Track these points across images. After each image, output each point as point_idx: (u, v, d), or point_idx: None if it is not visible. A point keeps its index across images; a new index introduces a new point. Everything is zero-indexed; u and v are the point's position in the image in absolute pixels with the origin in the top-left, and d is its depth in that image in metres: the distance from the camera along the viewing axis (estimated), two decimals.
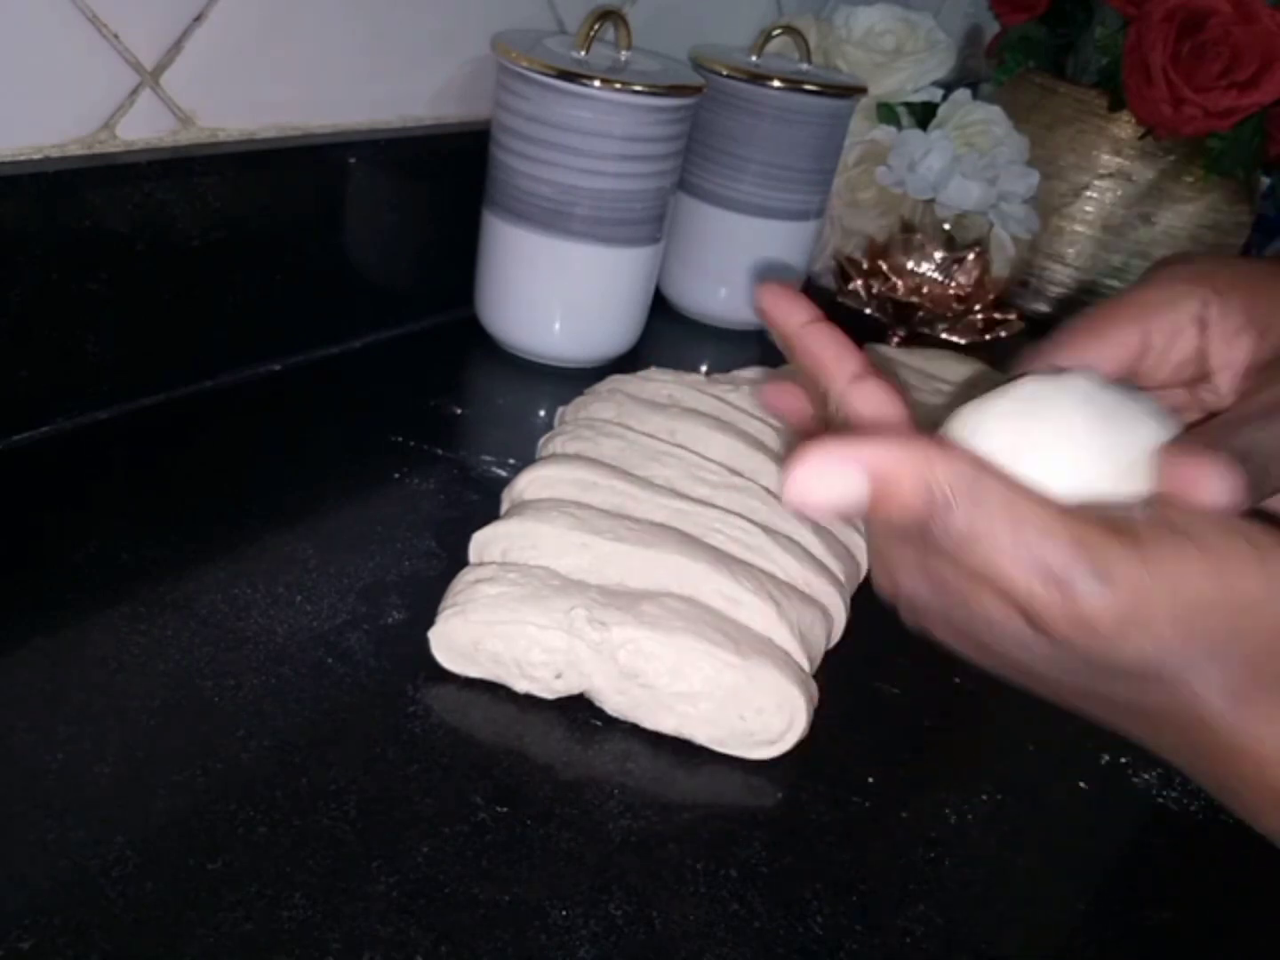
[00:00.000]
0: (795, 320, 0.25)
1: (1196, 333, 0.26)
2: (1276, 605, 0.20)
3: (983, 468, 0.21)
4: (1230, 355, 0.26)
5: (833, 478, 0.20)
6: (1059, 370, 0.25)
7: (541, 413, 0.56)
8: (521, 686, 0.36)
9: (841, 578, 0.41)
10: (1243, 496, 0.21)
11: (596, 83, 0.51)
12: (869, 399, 0.23)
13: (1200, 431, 0.23)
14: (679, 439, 0.46)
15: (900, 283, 0.73)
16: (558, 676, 0.35)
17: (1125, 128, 0.80)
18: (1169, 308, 0.26)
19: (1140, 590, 0.20)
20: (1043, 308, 0.88)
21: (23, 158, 0.43)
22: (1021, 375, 0.24)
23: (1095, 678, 0.22)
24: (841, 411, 0.24)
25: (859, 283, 0.75)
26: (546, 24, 0.63)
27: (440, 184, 0.59)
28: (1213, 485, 0.21)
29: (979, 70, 0.98)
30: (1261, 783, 0.22)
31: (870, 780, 0.36)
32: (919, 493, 0.20)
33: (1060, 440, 0.22)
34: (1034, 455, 0.22)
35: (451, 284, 0.61)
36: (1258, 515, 0.22)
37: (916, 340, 0.72)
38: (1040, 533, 0.20)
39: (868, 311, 0.75)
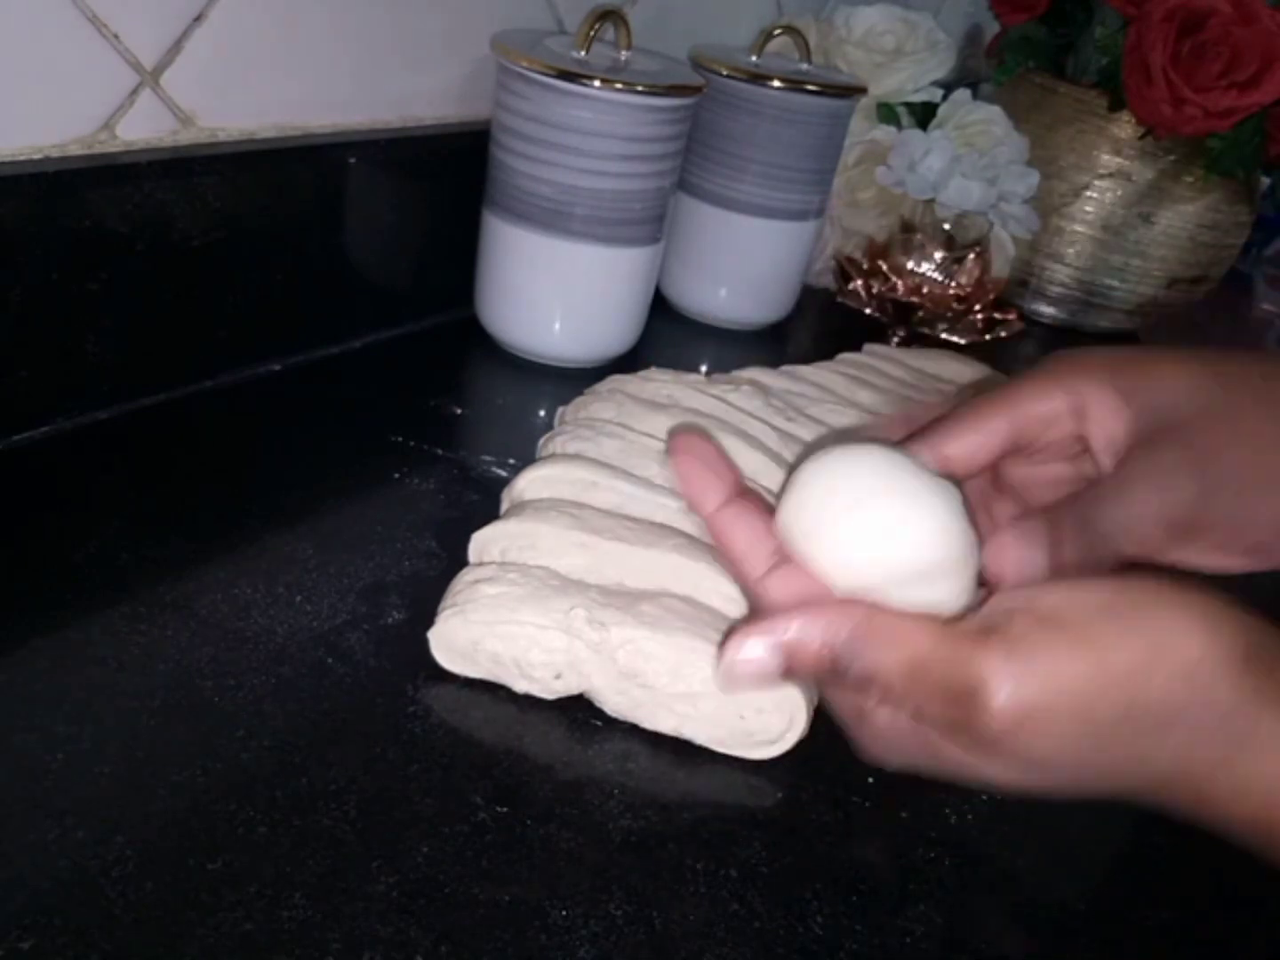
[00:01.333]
0: (710, 503, 0.27)
1: (1073, 419, 0.28)
2: (1159, 671, 0.22)
3: (874, 614, 0.24)
4: (1108, 433, 0.28)
5: (752, 658, 0.25)
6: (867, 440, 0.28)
7: (541, 413, 0.56)
8: (521, 687, 0.36)
9: None
10: (1041, 566, 0.26)
11: (596, 83, 0.51)
12: (783, 585, 0.26)
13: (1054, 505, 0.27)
14: None
15: (900, 283, 0.73)
16: (557, 677, 0.35)
17: (1125, 128, 0.80)
18: (1039, 400, 0.28)
19: (1025, 694, 0.22)
20: (1043, 307, 0.88)
21: (23, 158, 0.43)
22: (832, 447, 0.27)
23: (1047, 780, 0.24)
24: (760, 600, 0.27)
25: (859, 283, 0.75)
26: (546, 24, 0.63)
27: (440, 184, 0.59)
28: (1010, 560, 0.26)
29: (979, 70, 0.98)
30: (1230, 820, 0.24)
31: (870, 780, 0.36)
32: (822, 653, 0.24)
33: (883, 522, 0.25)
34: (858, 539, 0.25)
35: (451, 284, 0.61)
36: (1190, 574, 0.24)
37: (916, 340, 0.72)
38: (923, 655, 0.23)
39: (868, 311, 0.75)
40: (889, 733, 0.25)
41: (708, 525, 0.27)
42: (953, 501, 0.25)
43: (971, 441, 0.28)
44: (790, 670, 0.25)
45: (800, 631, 0.24)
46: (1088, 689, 0.22)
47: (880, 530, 0.25)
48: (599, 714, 0.36)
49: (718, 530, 0.27)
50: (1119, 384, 0.28)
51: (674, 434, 0.28)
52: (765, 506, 0.28)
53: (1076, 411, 0.28)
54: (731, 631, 0.25)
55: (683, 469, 0.27)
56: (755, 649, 0.25)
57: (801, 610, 0.25)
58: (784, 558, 0.26)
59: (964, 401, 0.29)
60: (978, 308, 0.74)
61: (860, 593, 0.25)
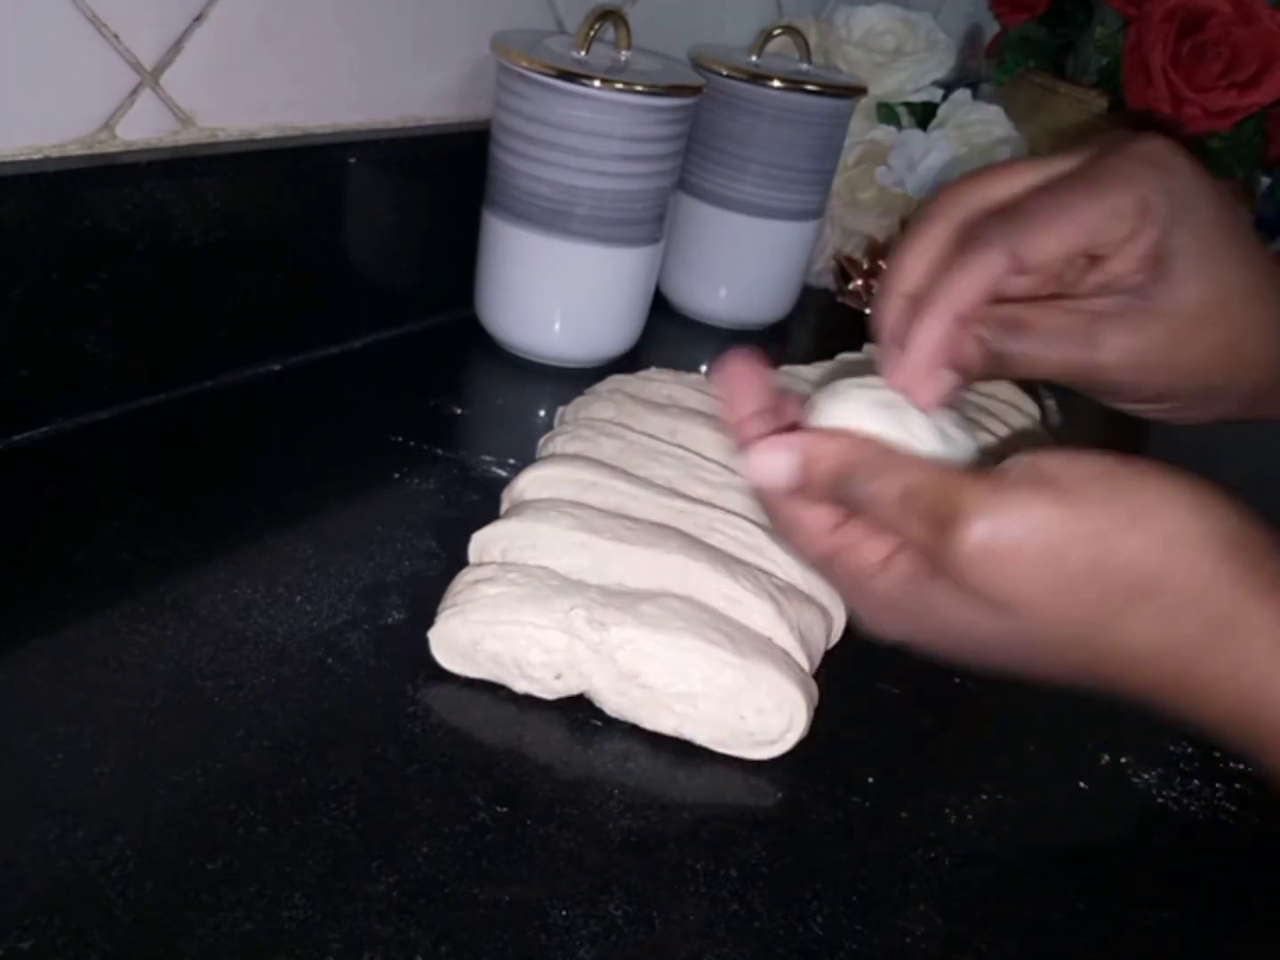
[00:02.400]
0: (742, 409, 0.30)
1: (1122, 239, 0.28)
2: (1135, 533, 0.22)
3: (890, 450, 0.26)
4: (1118, 275, 0.29)
5: (775, 456, 0.27)
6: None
7: (541, 413, 0.56)
8: (521, 687, 0.36)
9: None
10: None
11: (596, 83, 0.51)
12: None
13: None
14: (679, 439, 0.46)
15: None
16: (557, 677, 0.35)
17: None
18: (1117, 203, 0.28)
19: (997, 525, 0.23)
20: None
21: (23, 158, 0.43)
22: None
23: (1032, 643, 0.25)
24: None
25: (859, 283, 0.75)
26: (546, 24, 0.63)
27: (440, 184, 0.59)
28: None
29: (979, 70, 0.98)
30: (1211, 707, 0.24)
31: (870, 780, 0.36)
32: (836, 470, 0.26)
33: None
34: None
35: (451, 284, 0.61)
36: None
37: None
38: (918, 483, 0.24)
39: (868, 311, 0.75)
40: (885, 596, 0.27)
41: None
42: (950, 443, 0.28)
43: (1049, 246, 0.28)
44: (805, 479, 0.27)
45: (822, 446, 0.27)
46: (1058, 536, 0.22)
47: None
48: (599, 714, 0.36)
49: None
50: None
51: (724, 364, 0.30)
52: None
53: (1125, 239, 0.28)
54: (759, 438, 0.27)
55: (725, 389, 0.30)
56: (779, 453, 0.27)
57: (828, 432, 0.27)
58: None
59: (1038, 195, 0.28)
60: None
61: None
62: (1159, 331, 0.28)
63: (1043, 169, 0.29)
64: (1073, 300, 0.30)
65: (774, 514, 0.30)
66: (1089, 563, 0.22)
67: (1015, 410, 0.57)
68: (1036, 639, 0.24)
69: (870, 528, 0.27)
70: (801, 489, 0.27)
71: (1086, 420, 0.63)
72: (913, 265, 0.30)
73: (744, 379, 0.30)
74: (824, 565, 0.29)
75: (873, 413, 0.28)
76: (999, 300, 0.29)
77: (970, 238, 0.28)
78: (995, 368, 0.29)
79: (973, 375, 0.29)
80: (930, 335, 0.28)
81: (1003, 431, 0.53)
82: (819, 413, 0.29)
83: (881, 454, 0.26)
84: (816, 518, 0.28)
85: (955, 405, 0.29)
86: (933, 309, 0.28)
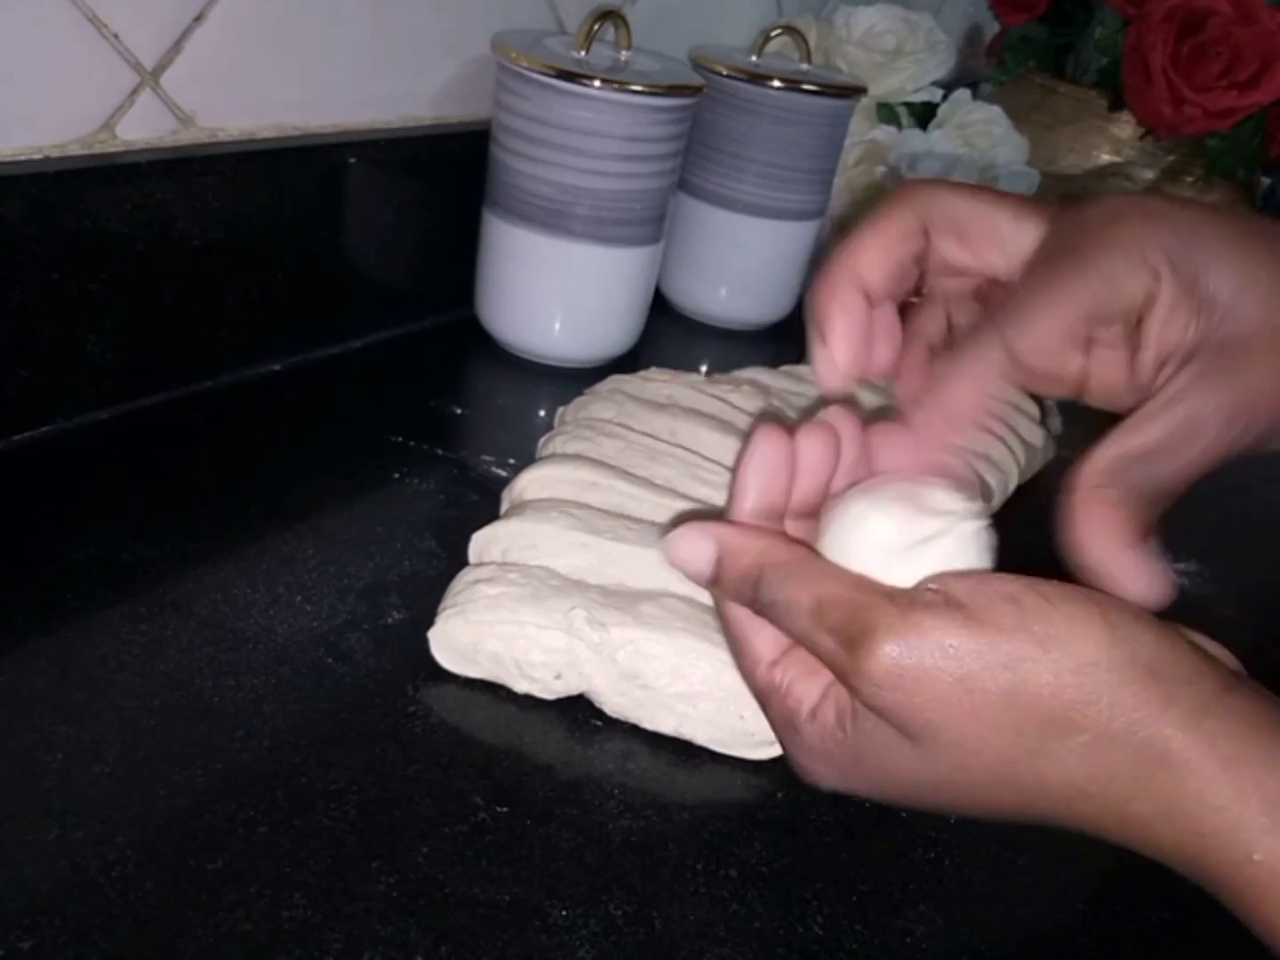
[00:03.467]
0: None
1: (1141, 302, 0.26)
2: (1050, 661, 0.21)
3: (810, 557, 0.25)
4: (1167, 337, 0.26)
5: (693, 545, 0.26)
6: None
7: (541, 413, 0.56)
8: (521, 687, 0.36)
9: None
10: (1161, 584, 0.24)
11: (597, 83, 0.51)
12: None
13: (1104, 470, 0.25)
14: (679, 439, 0.46)
15: None
16: (557, 677, 0.35)
17: (1125, 128, 0.81)
18: (1121, 280, 0.25)
19: (905, 649, 0.22)
20: None
21: (23, 158, 0.43)
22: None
23: (962, 780, 0.23)
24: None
25: None
26: (546, 24, 0.63)
27: (440, 184, 0.59)
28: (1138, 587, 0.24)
29: (979, 70, 0.98)
30: (1153, 843, 0.23)
31: None
32: (750, 570, 0.25)
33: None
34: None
35: (452, 284, 0.61)
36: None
37: None
38: (831, 596, 0.24)
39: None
40: (817, 742, 0.26)
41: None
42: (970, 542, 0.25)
43: (1046, 331, 0.25)
44: (718, 575, 0.26)
45: (740, 542, 0.26)
46: (972, 663, 0.22)
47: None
48: (599, 714, 0.36)
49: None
50: (1185, 276, 0.25)
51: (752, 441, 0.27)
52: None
53: (1147, 301, 0.25)
54: (685, 522, 0.27)
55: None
56: (696, 541, 0.26)
57: (754, 528, 0.26)
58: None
59: (1033, 279, 0.27)
60: None
61: None
62: (1258, 361, 0.25)
63: (1007, 205, 0.28)
64: (1162, 394, 0.25)
65: (726, 627, 0.28)
66: (1001, 693, 0.22)
67: (1015, 410, 0.57)
68: (962, 777, 0.23)
69: (805, 667, 0.26)
70: (716, 583, 0.26)
71: (1086, 421, 0.63)
72: (871, 256, 0.28)
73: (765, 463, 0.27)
74: (760, 700, 0.28)
75: (882, 507, 0.26)
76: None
77: (964, 338, 0.27)
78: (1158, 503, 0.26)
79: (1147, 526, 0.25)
80: (935, 448, 0.27)
81: (1002, 431, 0.53)
82: (831, 514, 0.27)
83: (800, 560, 0.25)
84: (761, 645, 0.27)
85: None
86: (937, 426, 0.26)
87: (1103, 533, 0.24)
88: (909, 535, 0.25)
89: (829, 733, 0.25)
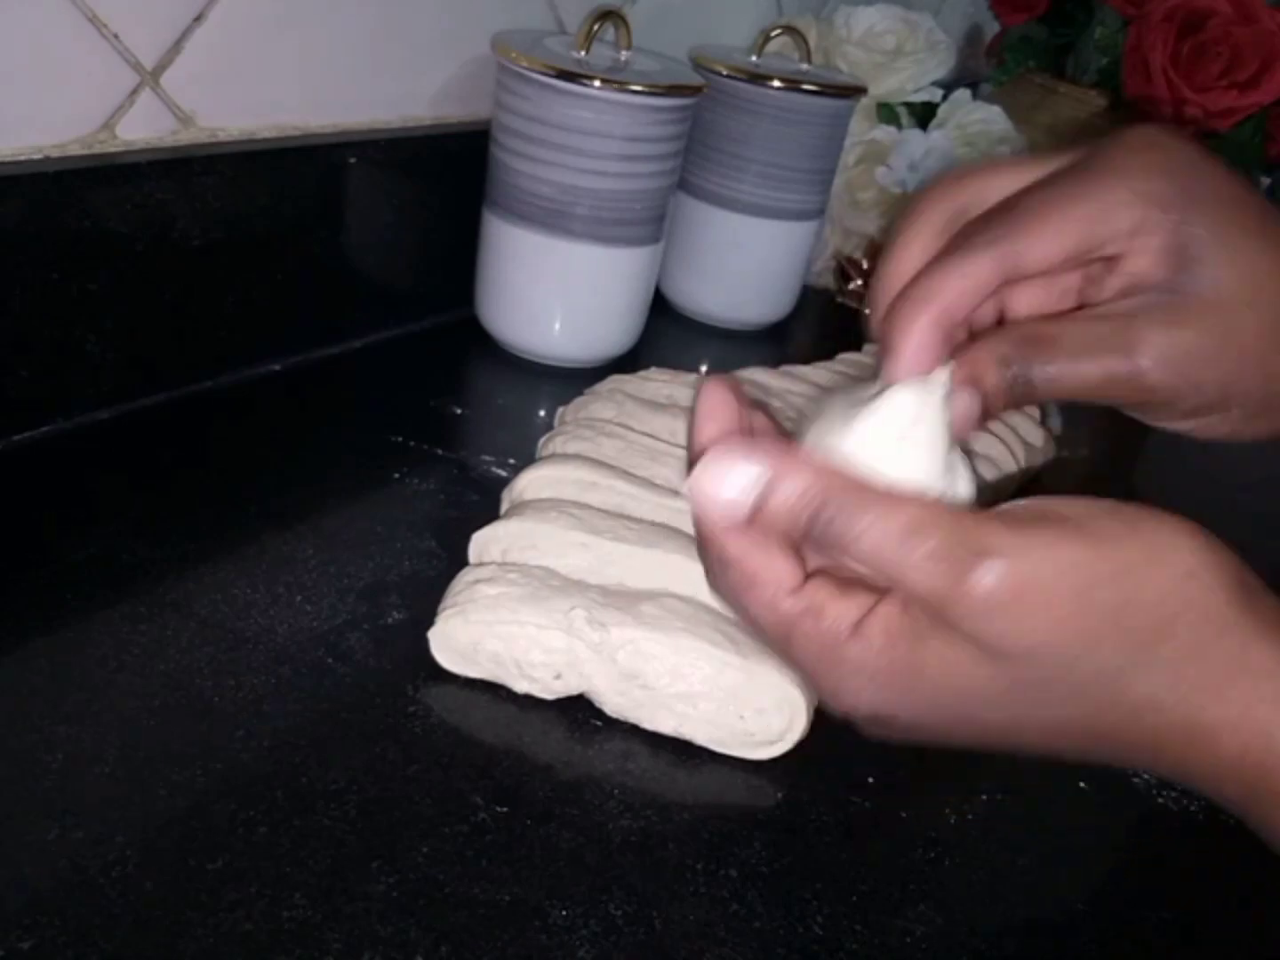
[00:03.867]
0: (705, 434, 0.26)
1: (1126, 238, 0.26)
2: (1158, 569, 0.21)
3: (875, 482, 0.23)
4: (1137, 267, 0.26)
5: (736, 467, 0.23)
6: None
7: (541, 413, 0.56)
8: (521, 687, 0.36)
9: None
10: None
11: (597, 83, 0.51)
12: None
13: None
14: (679, 439, 0.46)
15: None
16: (557, 677, 0.35)
17: None
18: (1113, 210, 0.26)
19: (1026, 566, 0.21)
20: None
21: (22, 158, 0.43)
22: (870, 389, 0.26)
23: (1037, 697, 0.23)
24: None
25: (859, 283, 0.75)
26: (547, 24, 0.63)
27: (440, 184, 0.59)
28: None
29: (979, 70, 0.98)
30: (1216, 755, 0.22)
31: (870, 780, 0.36)
32: (809, 492, 0.22)
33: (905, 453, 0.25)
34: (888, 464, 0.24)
35: (452, 284, 0.61)
36: None
37: None
38: (924, 520, 0.22)
39: (867, 311, 0.75)
40: (862, 665, 0.23)
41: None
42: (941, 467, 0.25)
43: (1044, 246, 0.25)
44: (763, 501, 0.23)
45: (794, 464, 0.23)
46: (1088, 574, 0.21)
47: None
48: (599, 714, 0.36)
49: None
50: (1173, 214, 0.25)
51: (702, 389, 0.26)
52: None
53: (1132, 232, 0.26)
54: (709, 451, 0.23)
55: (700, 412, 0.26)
56: (737, 464, 0.23)
57: (792, 458, 0.23)
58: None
59: (1027, 194, 0.26)
60: None
61: None
62: (1198, 323, 0.25)
63: (1035, 167, 0.27)
64: (1098, 308, 0.27)
65: (722, 563, 0.25)
66: (1113, 606, 0.21)
67: (1015, 410, 0.57)
68: (1042, 691, 0.22)
69: (836, 587, 0.24)
70: (758, 520, 0.23)
71: (1085, 420, 0.63)
72: (903, 269, 0.28)
73: (714, 399, 0.26)
74: (781, 633, 0.25)
75: (874, 443, 0.24)
76: (1011, 320, 0.27)
77: (957, 239, 0.26)
78: (1023, 394, 0.26)
79: (998, 405, 0.26)
80: (915, 336, 0.26)
81: (1002, 431, 0.53)
82: (811, 440, 0.25)
83: (865, 485, 0.22)
84: (781, 572, 0.24)
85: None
86: (914, 307, 0.26)
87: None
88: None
89: (880, 651, 0.23)
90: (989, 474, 0.51)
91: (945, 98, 0.77)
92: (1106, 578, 0.21)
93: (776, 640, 0.25)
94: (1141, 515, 0.22)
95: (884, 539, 0.22)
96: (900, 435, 0.25)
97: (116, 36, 0.44)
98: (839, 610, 0.24)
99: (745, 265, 0.69)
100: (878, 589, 0.24)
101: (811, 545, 0.24)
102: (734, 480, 0.23)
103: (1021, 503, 0.23)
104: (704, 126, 0.65)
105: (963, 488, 0.25)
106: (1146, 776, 0.39)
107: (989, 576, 0.21)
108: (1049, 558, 0.21)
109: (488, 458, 0.50)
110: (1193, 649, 0.22)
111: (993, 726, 0.24)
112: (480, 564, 0.39)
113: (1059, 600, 0.21)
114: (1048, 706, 0.23)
